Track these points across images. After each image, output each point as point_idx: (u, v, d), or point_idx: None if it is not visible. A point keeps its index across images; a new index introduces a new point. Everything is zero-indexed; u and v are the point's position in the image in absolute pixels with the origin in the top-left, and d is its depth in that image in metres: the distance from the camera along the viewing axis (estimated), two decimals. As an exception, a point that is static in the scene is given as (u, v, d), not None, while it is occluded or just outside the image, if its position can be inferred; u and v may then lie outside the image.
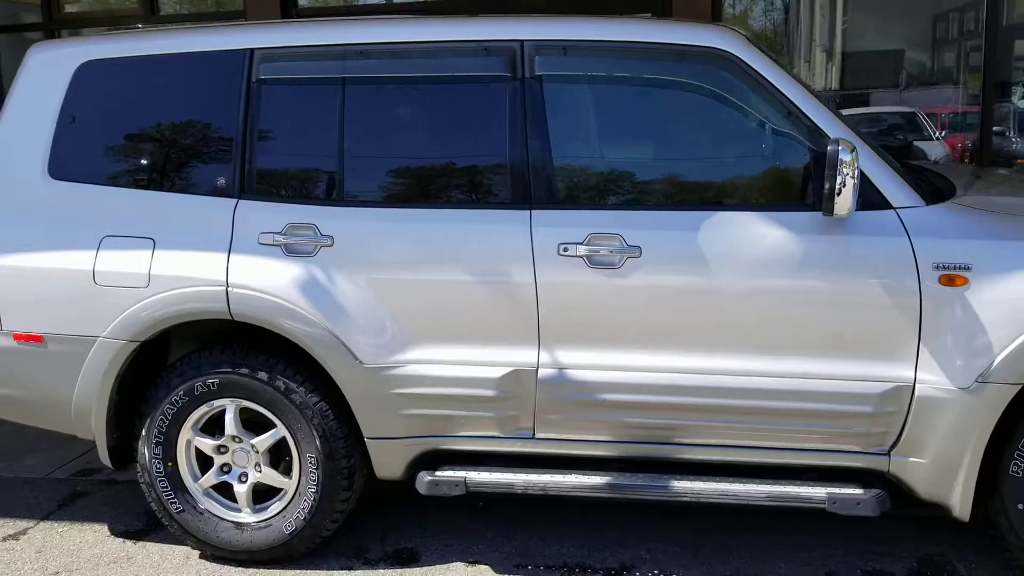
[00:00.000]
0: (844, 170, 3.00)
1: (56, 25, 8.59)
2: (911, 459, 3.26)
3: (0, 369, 3.81)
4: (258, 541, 3.71)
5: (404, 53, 3.51)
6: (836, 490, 3.31)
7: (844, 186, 3.01)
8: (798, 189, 3.29)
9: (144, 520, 4.18)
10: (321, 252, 3.48)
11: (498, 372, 3.42)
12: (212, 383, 3.61)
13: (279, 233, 3.52)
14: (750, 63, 3.29)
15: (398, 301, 3.47)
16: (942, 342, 3.15)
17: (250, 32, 3.65)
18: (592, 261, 3.32)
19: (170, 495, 3.75)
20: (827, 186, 3.04)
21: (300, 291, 3.48)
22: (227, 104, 3.61)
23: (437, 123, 3.53)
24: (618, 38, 3.39)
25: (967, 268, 3.11)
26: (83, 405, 3.72)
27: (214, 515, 3.76)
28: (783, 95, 3.27)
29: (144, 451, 3.73)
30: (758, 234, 3.24)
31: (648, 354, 3.34)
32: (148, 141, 3.71)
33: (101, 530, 4.11)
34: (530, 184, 3.39)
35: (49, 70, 3.78)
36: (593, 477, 3.47)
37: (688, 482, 3.41)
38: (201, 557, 3.83)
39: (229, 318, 3.54)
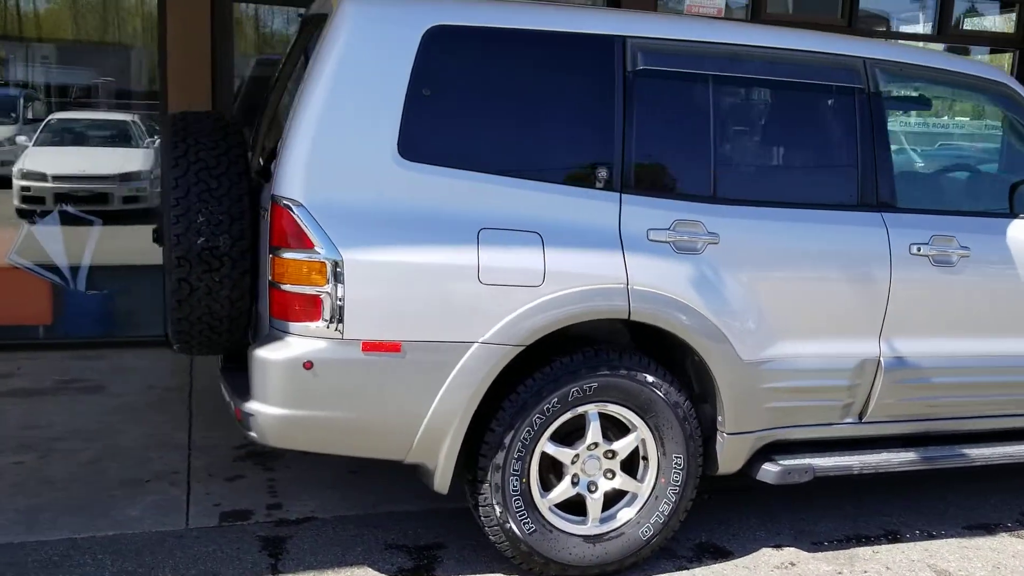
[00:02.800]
0: None
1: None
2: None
3: (336, 387, 3.15)
4: (612, 552, 3.53)
5: (770, 58, 3.63)
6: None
7: None
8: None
9: (406, 555, 3.66)
10: (708, 249, 3.47)
11: (851, 363, 3.71)
12: (589, 387, 3.38)
13: (668, 230, 3.43)
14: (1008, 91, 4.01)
15: (769, 297, 3.58)
16: None
17: (623, 19, 3.49)
18: (935, 260, 3.77)
19: (523, 515, 3.40)
20: None
21: (694, 288, 3.44)
22: (602, 93, 3.42)
23: (796, 126, 3.73)
24: (937, 65, 3.92)
25: None
26: (440, 423, 3.23)
27: (562, 531, 3.49)
28: None
29: (497, 469, 3.34)
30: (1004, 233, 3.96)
31: (969, 340, 3.88)
32: (518, 124, 3.39)
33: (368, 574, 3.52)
34: (878, 188, 3.74)
35: (387, 31, 3.24)
36: (910, 453, 3.91)
37: (979, 449, 4.00)
38: (529, 580, 3.52)
39: (625, 317, 3.36)
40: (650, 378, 3.45)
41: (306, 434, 3.23)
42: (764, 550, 3.89)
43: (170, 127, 3.40)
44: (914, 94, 3.97)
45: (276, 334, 3.18)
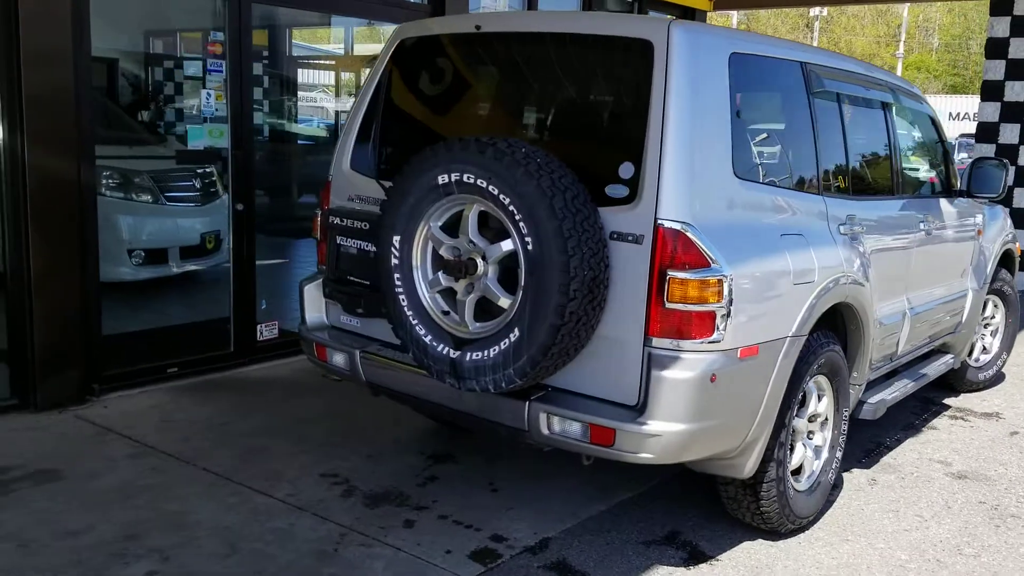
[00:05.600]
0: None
1: None
2: (962, 332, 5.90)
3: (726, 395, 3.35)
4: (819, 499, 4.19)
5: (865, 81, 4.56)
6: (952, 357, 5.75)
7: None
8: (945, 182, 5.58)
9: (670, 547, 3.89)
10: (859, 236, 4.26)
11: (900, 315, 4.81)
12: (819, 363, 3.97)
13: (844, 223, 4.14)
14: (928, 103, 5.43)
15: (880, 269, 4.46)
16: (974, 265, 5.88)
17: (798, 48, 4.08)
18: (927, 231, 5.01)
19: (788, 482, 3.89)
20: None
21: (862, 269, 4.22)
22: (805, 110, 3.99)
23: (872, 131, 4.73)
24: (897, 82, 5.12)
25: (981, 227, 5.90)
26: (768, 412, 3.62)
27: (797, 490, 4.04)
28: (940, 127, 5.52)
29: (780, 446, 3.79)
30: (940, 209, 5.43)
31: (936, 287, 5.23)
32: (777, 140, 3.80)
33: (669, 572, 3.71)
34: (903, 178, 4.86)
35: (710, 57, 3.48)
36: (908, 380, 5.13)
37: (925, 369, 5.40)
38: (763, 539, 4.02)
39: (843, 300, 4.01)
40: (838, 348, 4.15)
41: (697, 445, 3.37)
42: (845, 476, 4.83)
43: (507, 154, 3.17)
44: (897, 104, 5.16)
45: (666, 354, 3.24)
